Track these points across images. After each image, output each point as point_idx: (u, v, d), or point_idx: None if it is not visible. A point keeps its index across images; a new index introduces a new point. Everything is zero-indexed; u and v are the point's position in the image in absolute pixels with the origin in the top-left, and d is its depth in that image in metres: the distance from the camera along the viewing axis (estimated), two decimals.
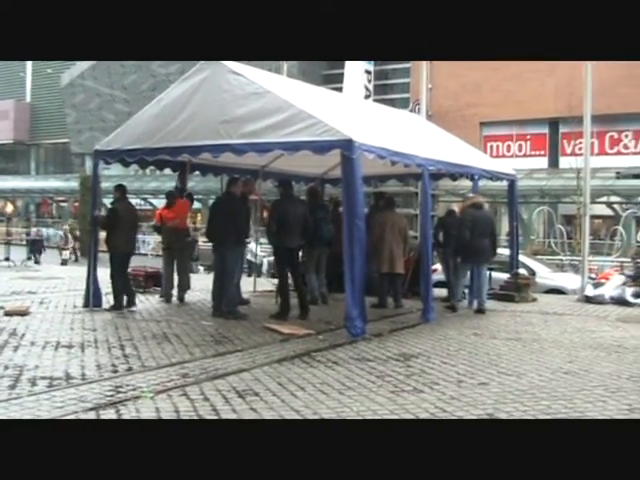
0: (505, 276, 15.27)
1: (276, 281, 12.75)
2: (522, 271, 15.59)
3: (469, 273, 13.45)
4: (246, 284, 14.67)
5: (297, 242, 11.85)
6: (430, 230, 12.71)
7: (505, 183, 15.62)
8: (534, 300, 14.70)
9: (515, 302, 14.24)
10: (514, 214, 15.72)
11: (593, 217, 44.62)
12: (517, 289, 14.58)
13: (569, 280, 18.19)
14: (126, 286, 12.49)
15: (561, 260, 27.65)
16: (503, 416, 6.11)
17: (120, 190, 12.52)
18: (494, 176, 14.86)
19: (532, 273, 17.28)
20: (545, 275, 18.29)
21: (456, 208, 14.89)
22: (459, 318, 12.36)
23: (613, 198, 39.01)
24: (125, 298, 12.29)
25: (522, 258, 17.34)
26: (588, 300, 14.79)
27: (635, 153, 37.93)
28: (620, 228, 33.26)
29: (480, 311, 12.87)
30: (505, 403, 6.57)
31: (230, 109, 10.56)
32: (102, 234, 12.38)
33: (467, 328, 11.13)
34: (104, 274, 12.26)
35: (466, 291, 13.95)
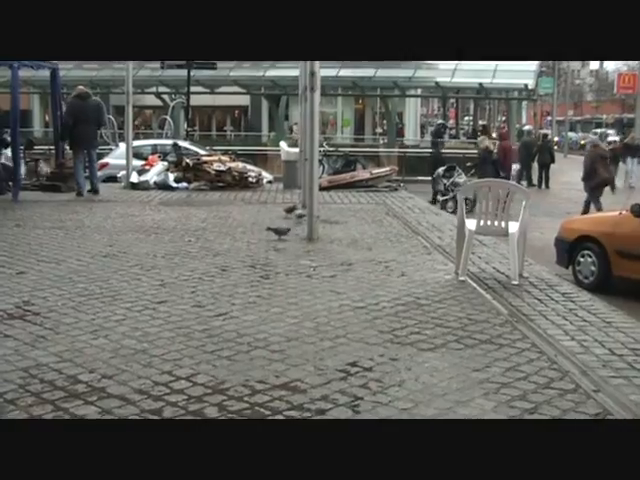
0: None
1: None
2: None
3: None
4: None
5: None
6: None
7: (47, 72, 15.24)
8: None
9: (62, 192, 14.15)
10: (57, 103, 15.40)
11: (144, 107, 45.74)
12: (63, 179, 14.50)
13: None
14: None
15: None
16: (38, 301, 6.22)
17: None
18: (35, 65, 14.44)
19: None
20: None
21: None
22: (3, 211, 12.00)
23: (161, 88, 40.13)
24: None
25: None
26: (134, 187, 15.28)
27: None
28: (168, 118, 34.37)
29: (96, 191, 14.04)
30: (42, 289, 6.66)
31: None
32: None
33: (10, 220, 10.87)
34: None
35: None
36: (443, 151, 24.04)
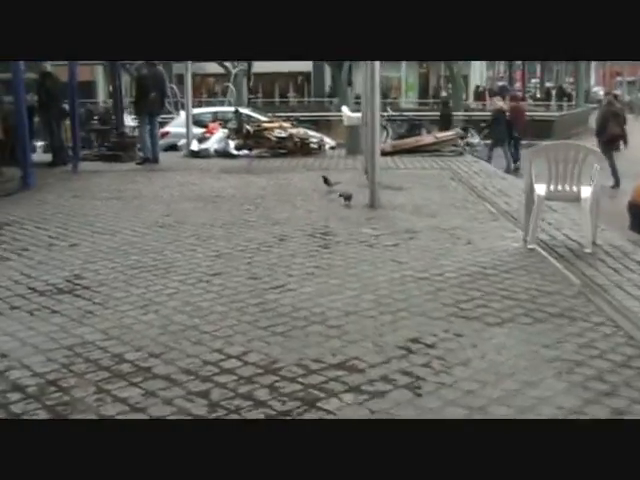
0: None
1: None
2: None
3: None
4: None
5: None
6: (23, 94, 11.83)
7: None
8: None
9: (122, 162, 14.07)
10: (117, 73, 15.33)
11: (206, 75, 45.73)
12: (123, 148, 14.41)
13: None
14: None
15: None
16: (89, 275, 6.05)
17: None
18: None
19: None
20: None
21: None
22: (62, 182, 11.93)
23: None
24: None
25: None
26: (194, 155, 15.13)
27: None
28: (230, 85, 34.20)
29: (156, 160, 13.95)
30: (94, 262, 6.50)
31: None
32: None
33: (68, 191, 10.79)
34: None
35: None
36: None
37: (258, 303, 5.28)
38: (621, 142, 16.57)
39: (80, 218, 8.59)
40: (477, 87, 43.15)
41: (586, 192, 6.86)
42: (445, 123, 20.51)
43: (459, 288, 5.65)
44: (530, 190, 7.19)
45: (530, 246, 6.93)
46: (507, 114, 18.91)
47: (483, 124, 20.68)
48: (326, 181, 10.37)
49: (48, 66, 13.58)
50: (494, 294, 5.49)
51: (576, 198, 6.95)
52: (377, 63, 9.43)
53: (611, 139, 16.19)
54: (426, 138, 16.75)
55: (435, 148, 15.80)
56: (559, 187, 6.93)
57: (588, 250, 6.82)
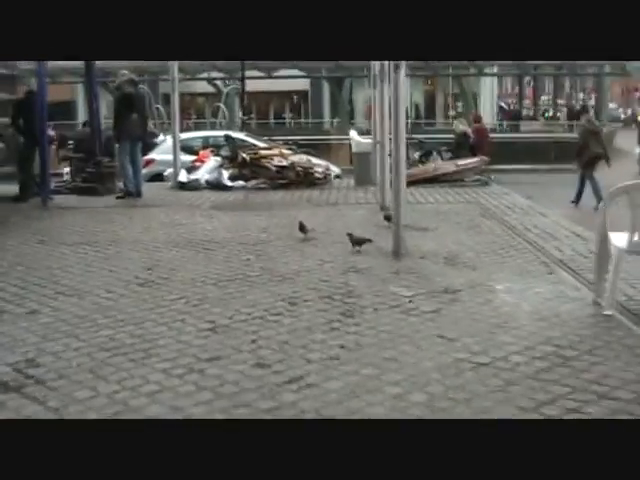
0: None
1: None
2: None
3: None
4: None
5: None
6: None
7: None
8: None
9: (99, 195, 12.91)
10: (93, 93, 14.25)
11: (195, 95, 44.86)
12: (100, 179, 13.27)
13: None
14: None
15: None
16: (46, 360, 4.88)
17: None
18: None
19: None
20: None
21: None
22: (27, 221, 10.79)
23: (214, 74, 39.12)
24: None
25: None
26: (183, 187, 14.02)
27: None
28: (222, 105, 33.32)
29: (138, 193, 12.86)
30: (55, 339, 5.32)
31: None
32: None
33: (33, 234, 9.61)
34: None
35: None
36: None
37: (270, 409, 4.12)
38: (604, 161, 16.68)
39: (43, 272, 7.40)
40: (500, 107, 42.39)
41: None
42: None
43: (535, 381, 4.50)
44: (604, 240, 6.07)
45: (607, 312, 5.80)
46: (471, 138, 19.41)
47: (444, 147, 20.90)
48: (302, 228, 9.02)
49: (34, 84, 12.49)
50: (585, 390, 4.34)
51: None
52: (402, 73, 8.33)
53: (592, 159, 16.33)
54: (445, 166, 15.67)
55: (456, 177, 14.74)
56: None
57: None
